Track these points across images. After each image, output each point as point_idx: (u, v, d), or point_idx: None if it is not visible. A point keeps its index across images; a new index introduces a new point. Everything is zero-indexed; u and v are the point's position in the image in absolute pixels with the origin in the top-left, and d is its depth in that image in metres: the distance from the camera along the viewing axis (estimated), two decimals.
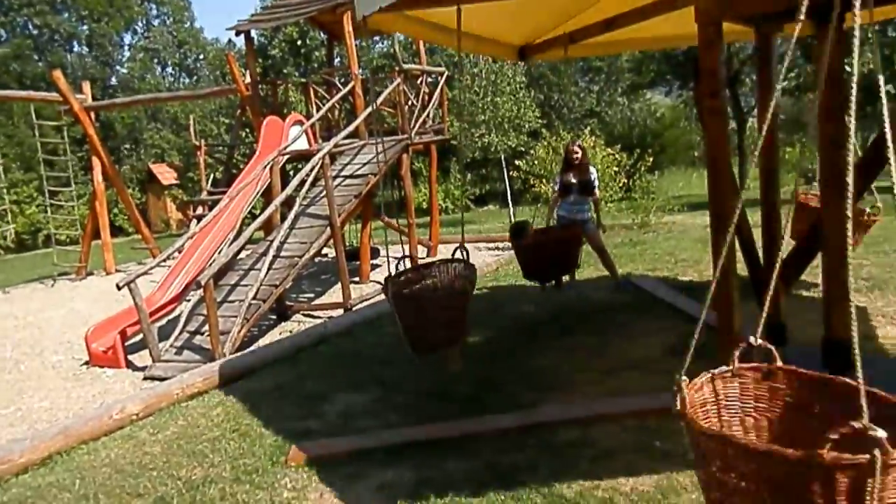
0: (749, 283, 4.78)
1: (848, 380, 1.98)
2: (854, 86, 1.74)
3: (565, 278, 5.89)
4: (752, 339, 2.02)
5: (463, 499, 3.16)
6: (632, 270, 7.77)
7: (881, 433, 1.49)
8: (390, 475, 3.46)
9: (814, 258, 4.42)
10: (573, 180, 6.77)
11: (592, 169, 7.02)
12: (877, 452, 1.47)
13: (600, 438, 3.62)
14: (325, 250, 10.60)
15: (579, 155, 6.86)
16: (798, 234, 5.18)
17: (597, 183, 6.95)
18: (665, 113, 27.01)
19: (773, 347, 2.05)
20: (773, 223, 4.48)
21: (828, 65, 3.96)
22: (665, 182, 16.28)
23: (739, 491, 1.70)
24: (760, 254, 4.61)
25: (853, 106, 1.75)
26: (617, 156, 12.08)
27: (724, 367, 2.10)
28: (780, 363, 2.11)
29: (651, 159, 13.02)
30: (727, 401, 2.13)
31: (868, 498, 1.50)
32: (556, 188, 6.96)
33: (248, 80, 11.53)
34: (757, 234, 4.66)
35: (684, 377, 1.90)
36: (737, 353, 2.07)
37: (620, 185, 12.11)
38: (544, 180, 11.96)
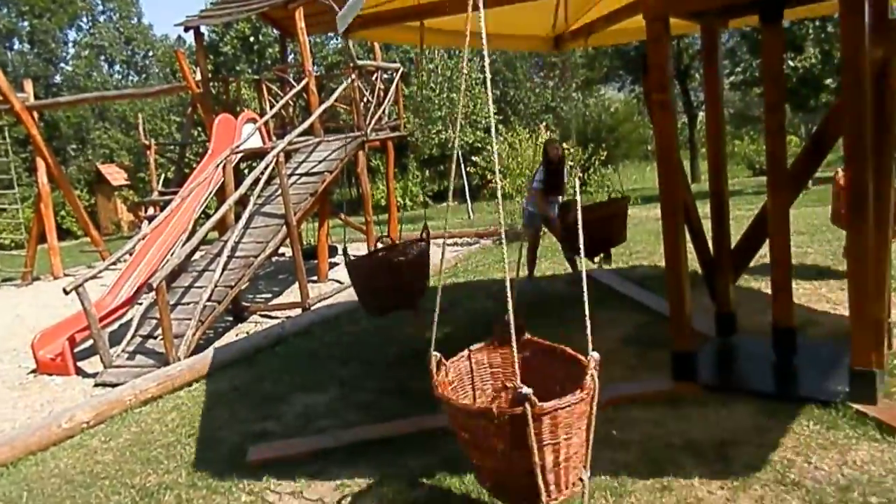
0: (702, 272, 4.90)
1: (568, 350, 2.94)
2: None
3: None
4: (506, 317, 2.73)
5: (423, 494, 3.17)
6: (588, 263, 7.87)
7: (527, 390, 2.20)
8: (350, 474, 3.44)
9: (760, 248, 4.55)
10: (554, 179, 6.84)
11: (568, 165, 7.14)
12: (527, 405, 2.20)
13: None
14: (281, 249, 10.47)
15: (559, 153, 6.97)
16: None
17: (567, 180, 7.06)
18: (619, 108, 27.44)
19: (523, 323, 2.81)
20: (722, 214, 4.59)
21: (771, 60, 4.09)
22: (620, 176, 16.53)
23: (465, 441, 2.52)
24: (710, 244, 4.72)
25: None
26: (572, 150, 12.20)
27: (480, 343, 3.06)
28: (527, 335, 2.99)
29: (605, 154, 13.22)
30: (480, 371, 3.07)
31: (528, 438, 2.20)
32: (541, 186, 6.88)
33: (198, 77, 11.27)
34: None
35: (436, 353, 2.81)
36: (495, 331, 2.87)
37: (576, 179, 12.25)
38: (501, 176, 12.01)
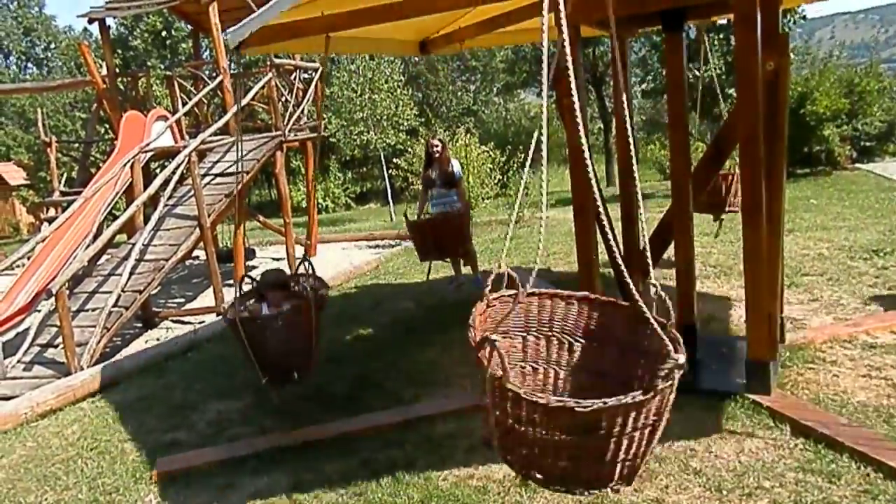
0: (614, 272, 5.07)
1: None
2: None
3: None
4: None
5: (340, 499, 3.13)
6: (507, 264, 8.00)
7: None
8: (264, 482, 3.36)
9: (667, 248, 4.75)
10: (433, 175, 6.87)
11: (455, 161, 7.12)
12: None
13: (477, 429, 3.69)
14: (196, 252, 10.10)
15: (439, 149, 6.96)
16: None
17: (460, 174, 7.07)
18: (538, 112, 28.10)
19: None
20: (632, 215, 4.77)
21: (673, 68, 4.28)
22: (539, 179, 16.91)
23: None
24: (622, 245, 4.90)
25: None
26: (491, 153, 12.41)
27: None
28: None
29: (524, 156, 13.50)
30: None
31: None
32: (421, 184, 7.06)
33: (104, 71, 10.72)
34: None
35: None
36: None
37: (496, 181, 12.44)
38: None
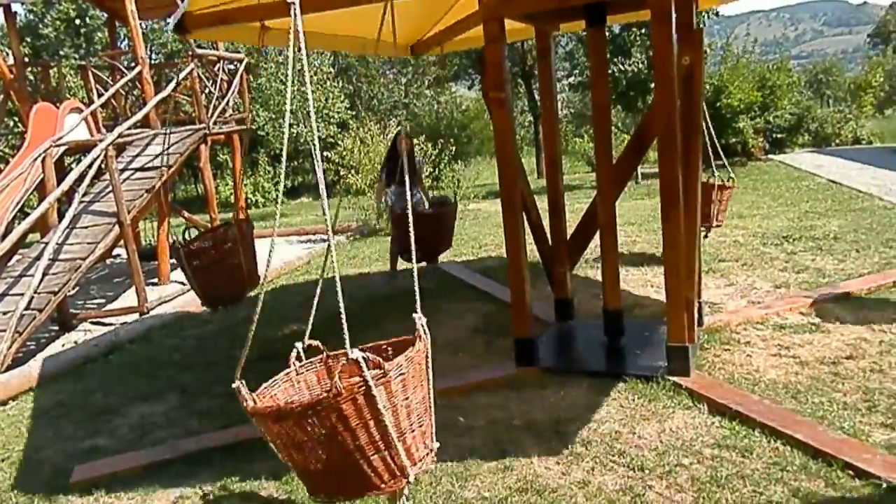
0: (540, 262, 5.17)
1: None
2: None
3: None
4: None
5: (270, 496, 3.08)
6: (440, 256, 8.04)
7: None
8: (190, 485, 3.26)
9: (593, 238, 4.88)
10: (397, 169, 6.86)
11: (419, 157, 7.19)
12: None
13: None
14: (117, 251, 9.69)
15: (408, 142, 7.00)
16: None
17: (421, 167, 7.13)
18: (469, 105, 28.23)
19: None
20: (558, 206, 4.88)
21: (599, 64, 4.39)
22: (471, 171, 17.03)
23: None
24: (549, 235, 5.00)
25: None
26: (423, 146, 12.40)
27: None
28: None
29: (454, 149, 13.55)
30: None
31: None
32: (384, 177, 7.02)
33: (11, 61, 10.09)
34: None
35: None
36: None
37: (427, 174, 12.44)
38: (353, 171, 11.93)
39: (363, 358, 2.15)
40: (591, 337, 4.61)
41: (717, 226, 6.51)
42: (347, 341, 2.30)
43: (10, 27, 10.22)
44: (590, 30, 4.39)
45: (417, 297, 2.59)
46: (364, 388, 2.10)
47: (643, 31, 15.64)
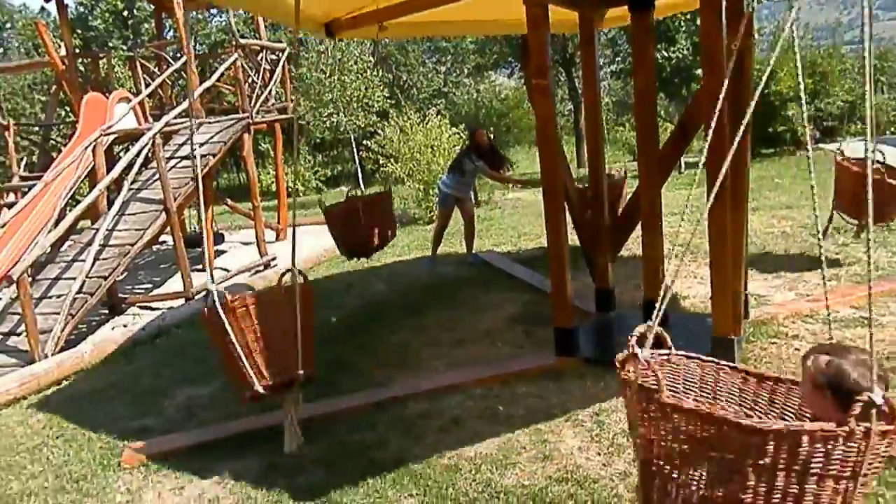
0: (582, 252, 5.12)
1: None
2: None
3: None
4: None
5: (313, 480, 3.13)
6: (479, 246, 8.02)
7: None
8: (236, 466, 3.34)
9: (635, 227, 4.81)
10: (476, 163, 6.89)
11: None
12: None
13: (448, 408, 3.73)
14: (163, 237, 9.93)
15: (485, 141, 7.10)
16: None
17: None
18: (509, 94, 28.03)
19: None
20: (601, 196, 4.82)
21: (642, 50, 4.31)
22: (510, 160, 16.91)
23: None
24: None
25: None
26: (462, 135, 12.36)
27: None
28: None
29: (494, 138, 13.47)
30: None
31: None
32: (482, 167, 6.94)
33: (63, 52, 10.39)
34: None
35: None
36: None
37: None
38: (392, 160, 11.97)
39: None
40: (632, 328, 4.52)
41: None
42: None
43: (63, 19, 10.50)
44: (634, 14, 4.29)
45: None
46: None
47: (688, 16, 15.30)
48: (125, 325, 6.75)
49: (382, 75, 20.29)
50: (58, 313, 6.05)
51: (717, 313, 3.70)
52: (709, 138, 3.58)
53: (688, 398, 1.98)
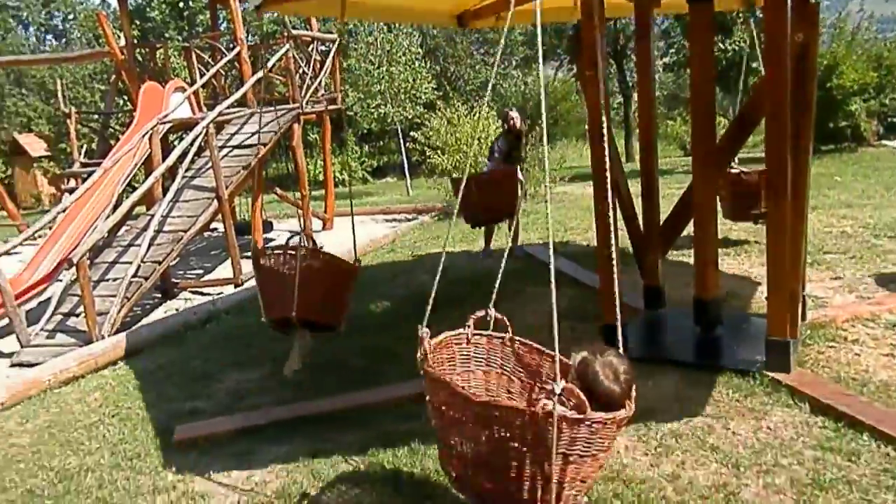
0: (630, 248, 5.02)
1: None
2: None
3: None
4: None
5: (358, 468, 3.16)
6: (524, 239, 7.97)
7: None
8: (282, 451, 3.40)
9: (687, 224, 4.69)
10: (499, 145, 6.93)
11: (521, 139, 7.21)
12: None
13: None
14: (214, 224, 10.17)
15: (516, 121, 7.04)
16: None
17: (523, 152, 7.16)
18: (557, 86, 27.69)
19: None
20: (652, 190, 4.71)
21: (700, 42, 4.18)
22: (557, 154, 16.73)
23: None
24: (640, 220, 4.84)
25: None
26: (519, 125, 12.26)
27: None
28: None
29: (528, 124, 13.30)
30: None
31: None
32: (497, 156, 7.05)
33: (122, 43, 10.71)
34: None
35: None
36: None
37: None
38: (439, 152, 11.96)
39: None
40: (683, 326, 4.44)
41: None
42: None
43: (123, 11, 10.82)
44: (693, 6, 4.17)
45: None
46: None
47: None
48: (177, 310, 6.95)
49: (430, 67, 20.28)
50: (114, 296, 6.26)
51: (772, 314, 3.58)
52: (767, 132, 3.48)
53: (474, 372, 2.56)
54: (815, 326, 4.18)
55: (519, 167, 7.04)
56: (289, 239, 4.32)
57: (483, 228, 7.31)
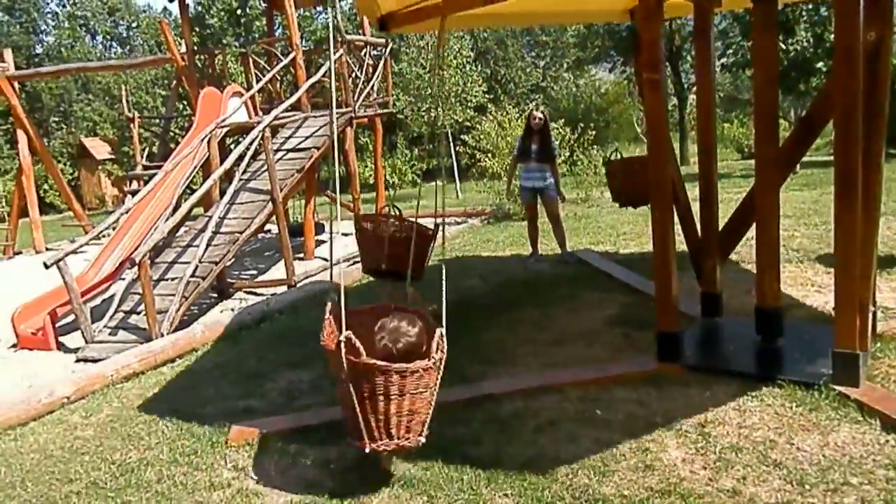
0: (687, 254, 4.89)
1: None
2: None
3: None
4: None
5: (408, 472, 3.16)
6: (575, 244, 7.87)
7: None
8: (333, 452, 3.42)
9: (748, 230, 4.54)
10: (533, 146, 6.88)
11: (553, 137, 7.16)
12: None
13: (543, 409, 3.66)
14: (268, 226, 10.38)
15: (540, 121, 6.94)
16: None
17: (557, 151, 7.09)
18: (609, 89, 27.32)
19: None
20: (710, 195, 4.58)
21: (763, 42, 4.04)
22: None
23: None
24: (698, 226, 4.71)
25: None
26: (561, 130, 12.16)
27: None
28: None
29: (594, 133, 13.15)
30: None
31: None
32: (515, 152, 7.18)
33: (183, 49, 11.07)
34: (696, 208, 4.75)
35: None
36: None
37: (564, 159, 12.21)
38: (490, 155, 11.94)
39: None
40: (742, 336, 4.30)
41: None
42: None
43: (184, 18, 11.19)
44: (757, 5, 4.03)
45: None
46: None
47: (810, 5, 14.32)
48: (232, 309, 7.11)
49: (481, 70, 20.28)
50: (173, 295, 6.44)
51: (840, 325, 3.43)
52: (837, 135, 3.33)
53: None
54: (886, 339, 3.98)
55: (550, 166, 6.95)
56: (383, 208, 5.04)
57: (528, 233, 7.30)
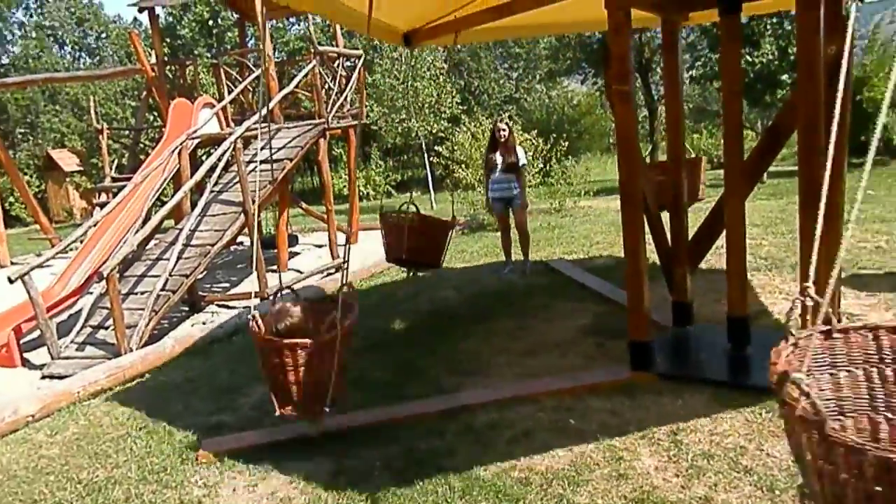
0: (658, 263, 4.95)
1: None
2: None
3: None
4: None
5: (382, 485, 3.13)
6: (549, 254, 7.92)
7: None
8: (307, 467, 3.38)
9: (717, 239, 4.61)
10: (497, 159, 6.91)
11: (520, 149, 7.17)
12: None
13: (518, 419, 3.67)
14: (240, 238, 10.27)
15: (505, 133, 6.98)
16: None
17: (523, 162, 7.12)
18: (581, 100, 27.65)
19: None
20: (680, 205, 4.64)
21: (728, 54, 4.13)
22: (581, 168, 16.66)
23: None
24: (668, 235, 4.77)
25: None
26: (534, 141, 12.26)
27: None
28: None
29: (567, 144, 13.28)
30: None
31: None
32: (484, 165, 7.27)
33: (153, 60, 10.95)
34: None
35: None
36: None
37: (538, 170, 12.31)
38: (464, 166, 11.98)
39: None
40: (713, 344, 4.35)
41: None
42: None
43: (154, 29, 11.08)
44: (723, 18, 4.12)
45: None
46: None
47: (774, 19, 14.67)
48: (204, 323, 7.01)
49: (454, 81, 20.39)
50: (142, 309, 6.33)
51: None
52: (801, 146, 3.41)
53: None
54: None
55: (517, 176, 6.98)
56: (404, 204, 5.58)
57: (501, 243, 7.35)
